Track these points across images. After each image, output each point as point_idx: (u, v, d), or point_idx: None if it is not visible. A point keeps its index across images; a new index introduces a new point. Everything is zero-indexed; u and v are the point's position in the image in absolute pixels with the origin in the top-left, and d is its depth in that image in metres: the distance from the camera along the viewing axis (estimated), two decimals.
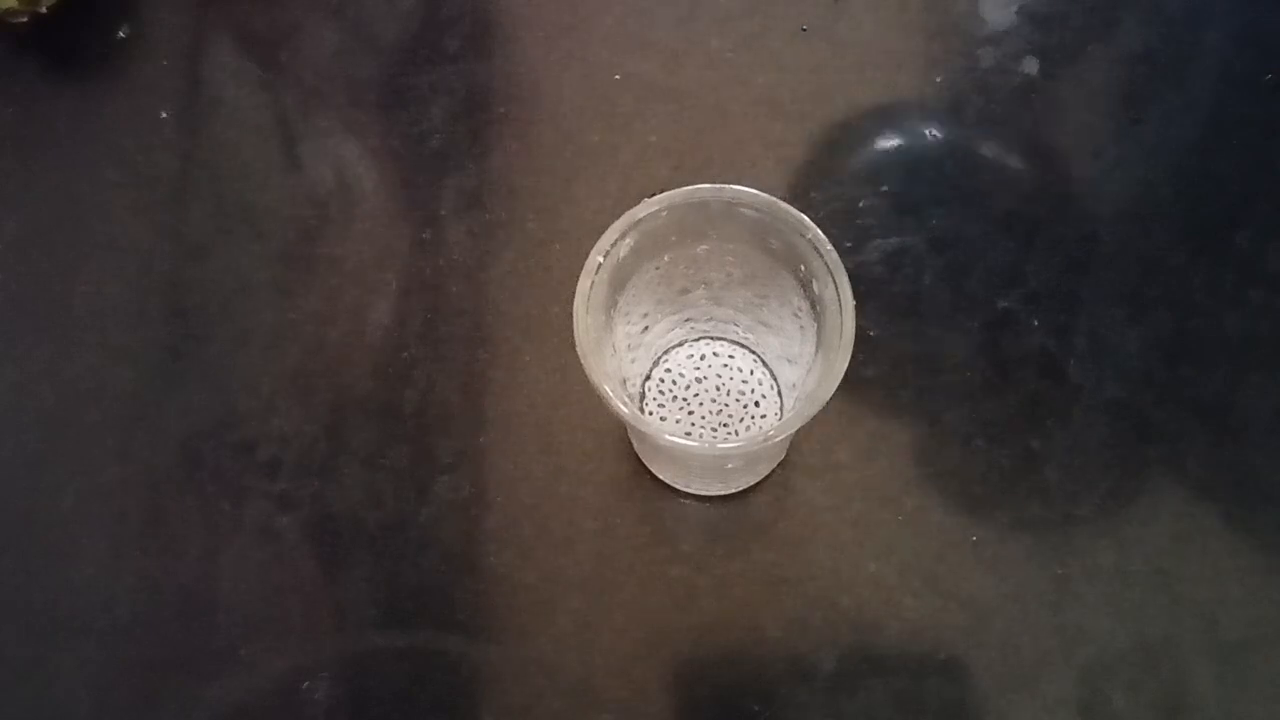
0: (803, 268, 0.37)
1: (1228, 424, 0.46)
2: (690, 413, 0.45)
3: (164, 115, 0.51)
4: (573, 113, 0.51)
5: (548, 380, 0.47)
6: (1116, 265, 0.48)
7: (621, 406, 0.35)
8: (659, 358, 0.45)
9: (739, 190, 0.36)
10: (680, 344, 0.45)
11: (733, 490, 0.45)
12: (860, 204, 0.49)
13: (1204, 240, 0.48)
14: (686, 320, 0.44)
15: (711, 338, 0.46)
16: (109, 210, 0.50)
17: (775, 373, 0.45)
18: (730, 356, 0.45)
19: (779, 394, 0.45)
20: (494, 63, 0.52)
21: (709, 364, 0.45)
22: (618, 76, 0.51)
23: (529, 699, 0.43)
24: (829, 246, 0.35)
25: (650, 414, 0.45)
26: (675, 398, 0.45)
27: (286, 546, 0.45)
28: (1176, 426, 0.46)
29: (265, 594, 0.45)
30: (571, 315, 0.35)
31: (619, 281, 0.38)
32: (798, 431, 0.36)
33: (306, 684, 0.43)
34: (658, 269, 0.39)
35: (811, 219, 0.35)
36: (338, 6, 0.53)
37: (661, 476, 0.45)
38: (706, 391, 0.45)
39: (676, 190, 0.36)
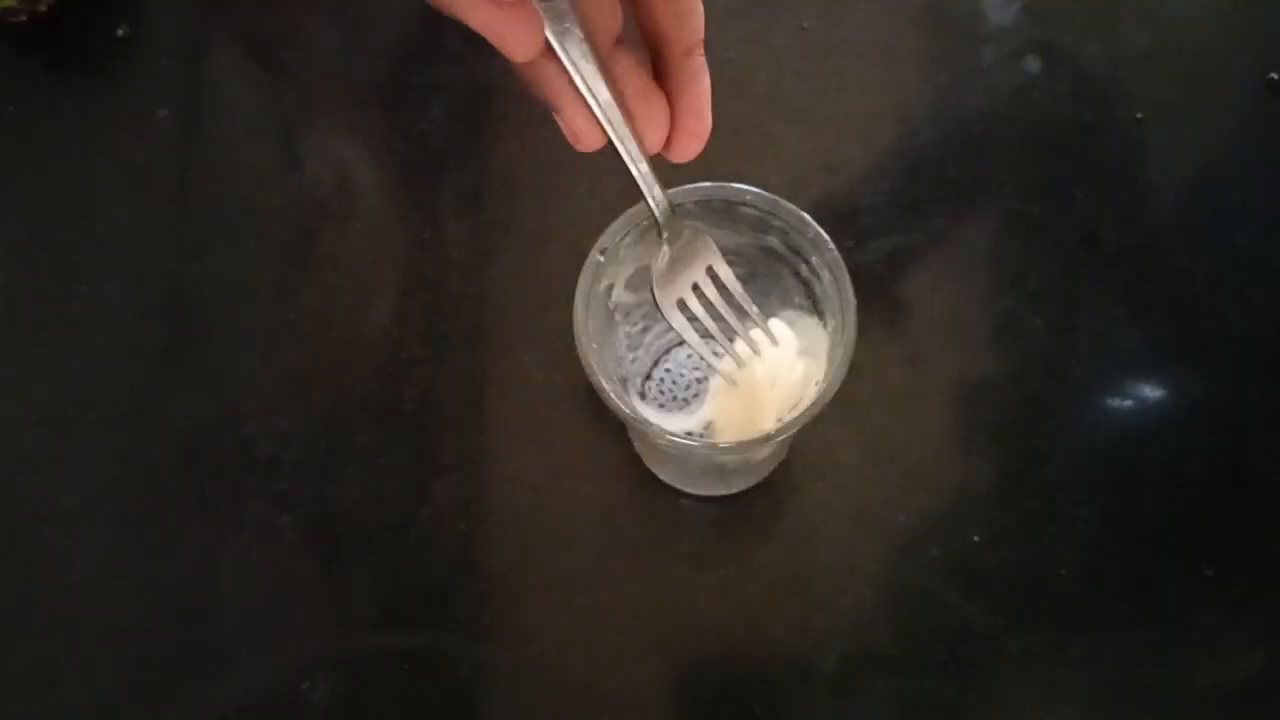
0: (804, 266, 0.37)
1: (1228, 424, 0.46)
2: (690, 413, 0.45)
3: (164, 115, 0.51)
4: None
5: (548, 380, 0.47)
6: (1116, 265, 0.48)
7: (621, 406, 0.35)
8: (659, 358, 0.45)
9: (739, 189, 0.36)
10: (680, 344, 0.45)
11: (733, 490, 0.45)
12: (860, 203, 0.49)
13: (1204, 240, 0.48)
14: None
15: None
16: (109, 210, 0.50)
17: None
18: None
19: None
20: (494, 62, 0.52)
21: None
22: None
23: (529, 699, 0.43)
24: (830, 245, 0.35)
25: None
26: (675, 398, 0.45)
27: (286, 546, 0.45)
28: (1176, 426, 0.46)
29: (265, 594, 0.45)
30: (571, 315, 0.35)
31: (619, 281, 0.38)
32: (798, 431, 0.36)
33: (306, 684, 0.43)
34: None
35: (812, 218, 0.35)
36: (338, 6, 0.53)
37: (661, 476, 0.45)
38: (706, 391, 0.45)
39: (676, 190, 0.36)
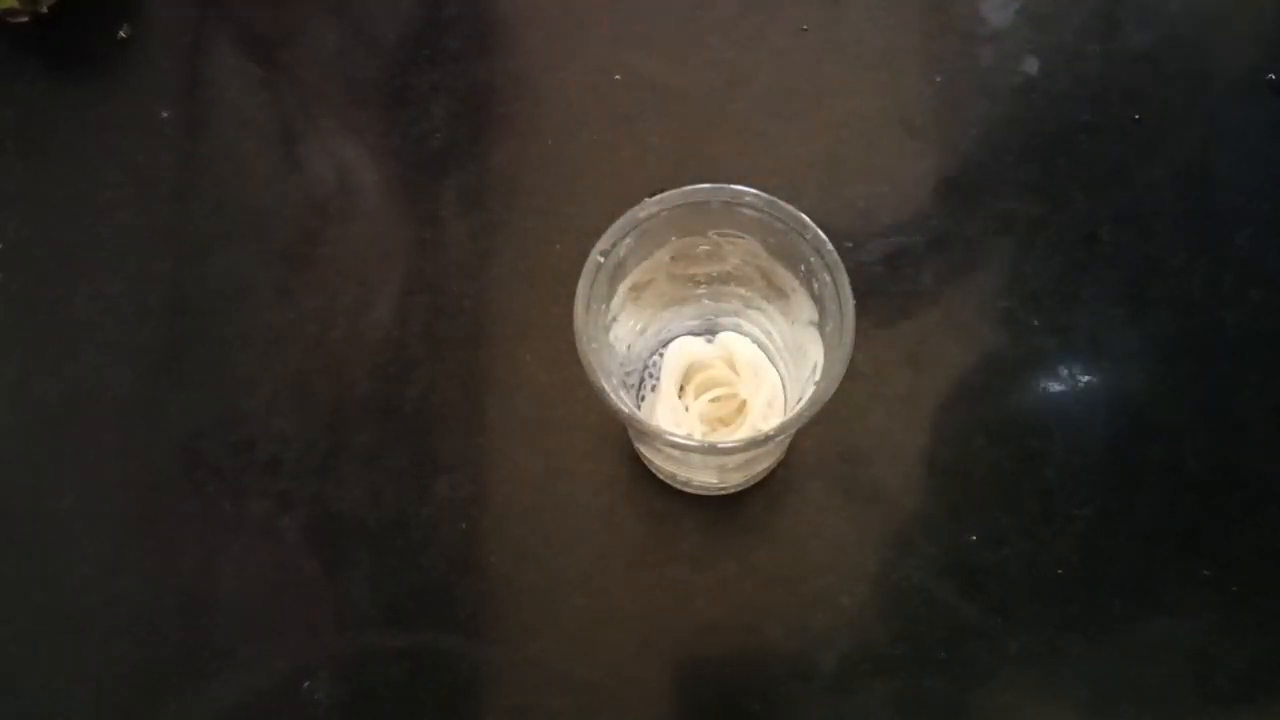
0: (803, 267, 0.37)
1: (1228, 424, 0.46)
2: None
3: (164, 115, 0.51)
4: (573, 113, 0.51)
5: (548, 380, 0.47)
6: (1116, 265, 0.48)
7: (621, 406, 0.35)
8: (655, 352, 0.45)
9: (738, 190, 0.36)
10: (675, 338, 0.45)
11: (732, 489, 0.45)
12: (860, 204, 0.49)
13: (1204, 240, 0.48)
14: (686, 319, 0.44)
15: (711, 336, 0.45)
16: (109, 210, 0.50)
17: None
18: None
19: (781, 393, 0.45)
20: (494, 62, 0.52)
21: None
22: (618, 76, 0.51)
23: (529, 699, 0.43)
24: (829, 246, 0.35)
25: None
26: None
27: (286, 546, 0.45)
28: (1176, 426, 0.46)
29: (265, 594, 0.45)
30: (571, 315, 0.35)
31: (619, 281, 0.38)
32: (797, 431, 0.36)
33: (306, 684, 0.43)
34: (658, 268, 0.39)
35: (811, 219, 0.35)
36: (338, 6, 0.53)
37: (661, 475, 0.45)
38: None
39: (676, 190, 0.36)
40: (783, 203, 0.36)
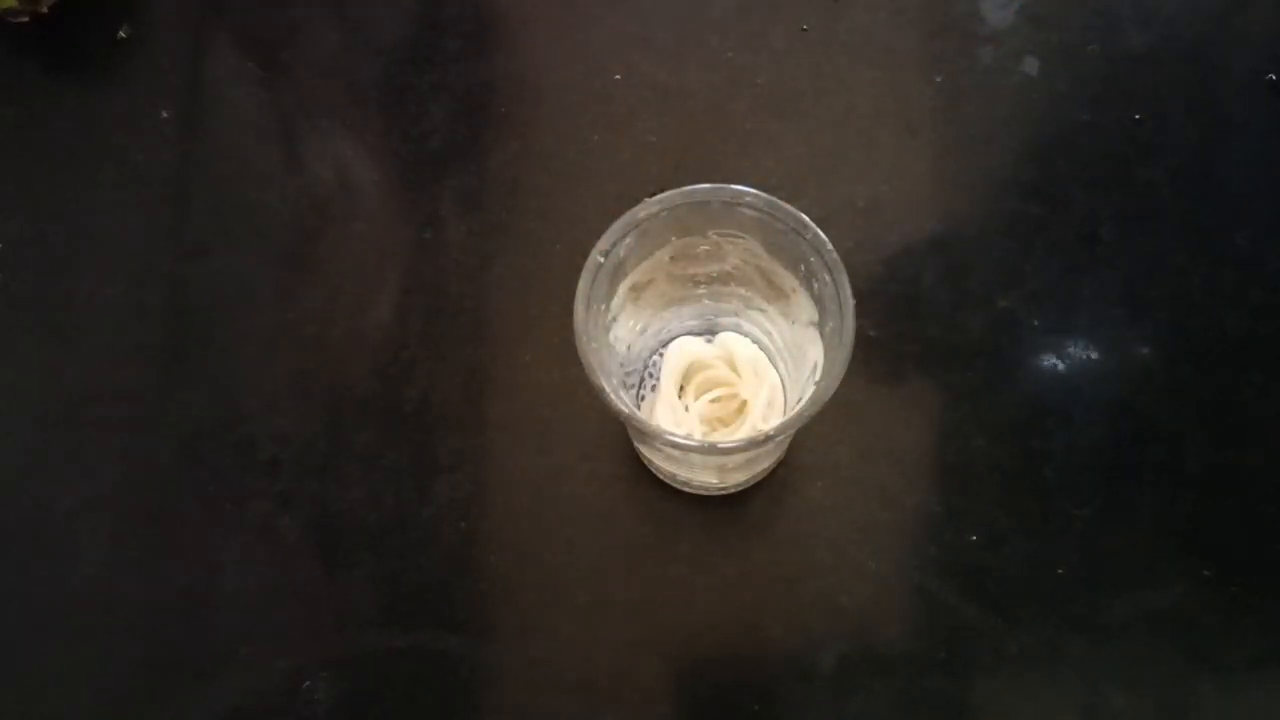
0: (803, 267, 0.37)
1: (1228, 424, 0.46)
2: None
3: (164, 115, 0.51)
4: (573, 113, 0.51)
5: (548, 380, 0.47)
6: (1116, 265, 0.48)
7: (621, 406, 0.35)
8: (655, 353, 0.45)
9: (738, 190, 0.36)
10: (675, 338, 0.45)
11: (733, 489, 0.45)
12: (859, 204, 0.49)
13: (1204, 240, 0.48)
14: (686, 319, 0.44)
15: (711, 336, 0.45)
16: (109, 210, 0.50)
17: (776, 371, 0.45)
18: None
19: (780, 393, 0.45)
20: (494, 62, 0.52)
21: None
22: (618, 76, 0.51)
23: (529, 699, 0.43)
24: (829, 246, 0.35)
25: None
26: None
27: (286, 546, 0.45)
28: (1176, 426, 0.46)
29: (265, 594, 0.45)
30: (571, 315, 0.35)
31: (619, 281, 0.38)
32: (798, 431, 0.36)
33: (307, 684, 0.43)
34: (658, 268, 0.39)
35: (811, 219, 0.35)
36: (338, 6, 0.53)
37: (661, 475, 0.45)
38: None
39: (676, 190, 0.36)
40: (783, 203, 0.36)
